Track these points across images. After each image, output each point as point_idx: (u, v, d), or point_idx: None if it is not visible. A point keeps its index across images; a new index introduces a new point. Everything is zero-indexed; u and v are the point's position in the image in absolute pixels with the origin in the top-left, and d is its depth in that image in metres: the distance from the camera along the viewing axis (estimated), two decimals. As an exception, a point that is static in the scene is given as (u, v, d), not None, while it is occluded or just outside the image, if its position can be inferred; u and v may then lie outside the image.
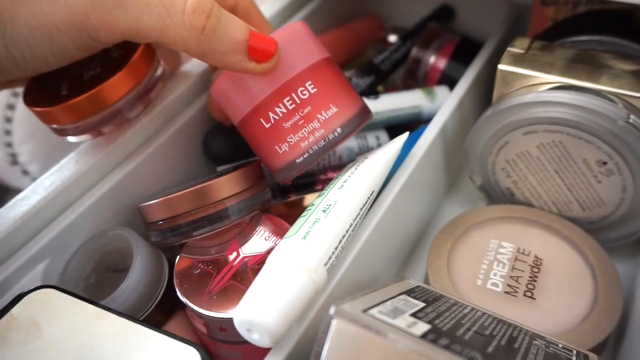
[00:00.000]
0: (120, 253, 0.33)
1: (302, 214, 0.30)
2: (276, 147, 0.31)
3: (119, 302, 0.30)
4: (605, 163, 0.34)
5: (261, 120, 0.31)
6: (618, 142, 0.32)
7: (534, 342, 0.27)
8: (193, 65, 0.40)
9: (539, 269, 0.34)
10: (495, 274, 0.34)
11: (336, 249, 0.28)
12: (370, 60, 0.47)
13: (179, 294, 0.30)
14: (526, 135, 0.35)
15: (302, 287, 0.25)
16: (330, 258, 0.27)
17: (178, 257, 0.32)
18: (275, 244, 0.32)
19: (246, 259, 0.32)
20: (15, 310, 0.28)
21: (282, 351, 0.26)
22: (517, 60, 0.35)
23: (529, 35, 0.45)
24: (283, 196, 0.39)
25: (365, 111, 0.33)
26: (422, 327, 0.23)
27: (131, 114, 0.33)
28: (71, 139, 0.33)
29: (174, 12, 0.26)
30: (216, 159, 0.40)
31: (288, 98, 0.30)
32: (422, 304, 0.27)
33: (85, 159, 0.34)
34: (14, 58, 0.27)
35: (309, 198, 0.40)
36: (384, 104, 0.43)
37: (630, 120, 0.31)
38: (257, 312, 0.24)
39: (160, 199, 0.31)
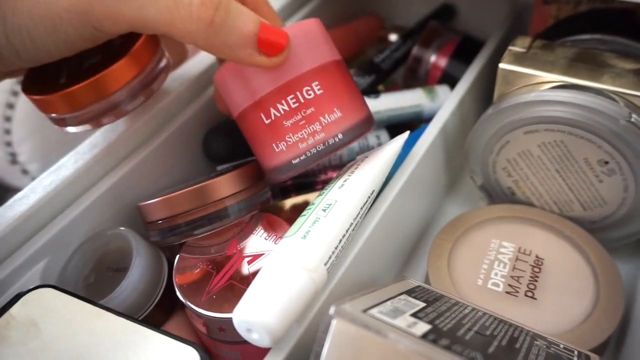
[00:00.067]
0: (120, 252, 0.33)
1: (302, 213, 0.30)
2: (273, 144, 0.30)
3: (118, 301, 0.30)
4: (606, 162, 0.33)
5: (261, 115, 0.30)
6: (620, 141, 0.32)
7: (535, 342, 0.27)
8: (193, 64, 0.40)
9: (540, 268, 0.34)
10: (496, 274, 0.34)
11: (336, 248, 0.28)
12: (371, 59, 0.46)
13: (178, 293, 0.30)
14: (527, 135, 0.35)
15: (302, 286, 0.25)
16: (330, 258, 0.27)
17: (177, 256, 0.32)
18: (275, 244, 0.32)
19: (246, 259, 0.31)
20: (14, 309, 0.28)
21: (281, 351, 0.26)
22: (518, 59, 0.35)
23: (530, 34, 0.44)
24: (283, 196, 0.39)
25: (370, 120, 0.32)
26: (423, 327, 0.23)
27: (132, 105, 0.32)
28: (70, 129, 0.32)
29: (181, 4, 0.26)
30: (216, 158, 0.40)
31: (292, 96, 0.29)
32: (423, 304, 0.27)
33: (84, 158, 0.34)
34: (15, 48, 0.26)
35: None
36: (385, 103, 0.43)
37: (632, 120, 0.31)
38: (257, 312, 0.24)
39: (160, 198, 0.31)
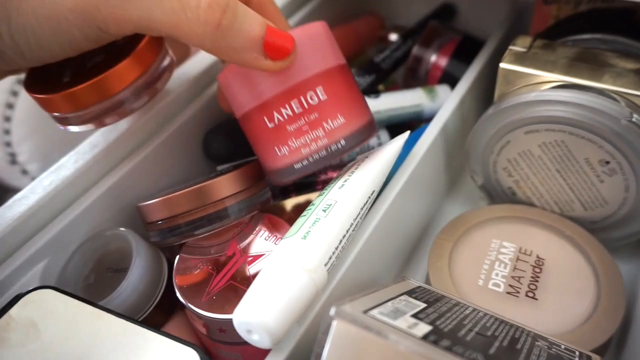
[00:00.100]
0: (120, 253, 0.33)
1: (302, 214, 0.29)
2: (276, 148, 0.30)
3: (118, 302, 0.30)
4: (607, 162, 0.33)
5: (265, 118, 0.29)
6: (621, 141, 0.32)
7: (536, 343, 0.27)
8: (193, 64, 0.40)
9: (540, 269, 0.34)
10: (496, 274, 0.34)
11: (336, 249, 0.28)
12: (371, 59, 0.46)
13: (178, 294, 0.30)
14: (528, 135, 0.35)
15: (302, 287, 0.25)
16: (330, 258, 0.27)
17: (177, 257, 0.32)
18: (275, 244, 0.32)
19: (246, 259, 0.31)
20: (14, 311, 0.28)
21: (282, 352, 0.26)
22: (519, 58, 0.35)
23: (531, 33, 0.44)
24: (283, 196, 0.39)
25: (372, 126, 0.32)
26: (424, 328, 0.23)
27: (136, 105, 0.32)
28: (73, 128, 0.32)
29: (188, 7, 0.25)
30: (216, 158, 0.40)
31: (296, 101, 0.29)
32: (423, 305, 0.27)
33: (84, 158, 0.34)
34: (19, 48, 0.26)
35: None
36: (385, 103, 0.43)
37: (633, 119, 0.31)
38: (257, 313, 0.24)
39: (160, 199, 0.31)
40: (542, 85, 0.34)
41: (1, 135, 0.48)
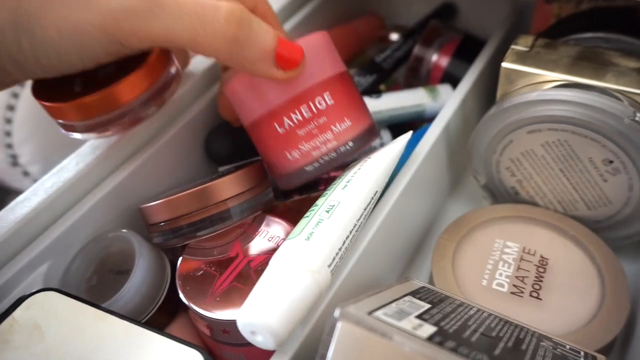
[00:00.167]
0: (122, 255, 0.33)
1: (306, 215, 0.29)
2: (286, 152, 0.31)
3: (121, 304, 0.30)
4: (611, 162, 0.33)
5: (275, 124, 0.31)
6: (624, 140, 0.32)
7: (541, 343, 0.27)
8: (194, 66, 0.40)
9: (544, 268, 0.34)
10: (500, 274, 0.34)
11: (340, 249, 0.28)
12: (372, 58, 0.46)
13: (181, 296, 0.30)
14: (531, 134, 0.35)
15: (306, 288, 0.25)
16: (334, 259, 0.27)
17: (180, 258, 0.32)
18: (278, 245, 0.32)
19: (249, 260, 0.31)
20: (17, 313, 0.28)
21: (286, 353, 0.26)
22: (521, 58, 0.35)
23: (532, 32, 0.44)
24: (286, 196, 0.39)
25: (374, 128, 0.33)
26: (428, 329, 0.23)
27: (143, 114, 0.32)
28: (76, 135, 0.32)
29: (206, 22, 0.26)
30: (218, 159, 0.40)
31: (305, 106, 0.30)
32: (428, 305, 0.27)
33: (86, 160, 0.34)
34: (39, 60, 0.27)
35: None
36: (387, 103, 0.42)
37: (637, 118, 0.31)
38: (261, 315, 0.24)
39: (162, 200, 0.31)
40: (544, 84, 0.34)
41: (2, 137, 0.48)
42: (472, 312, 0.28)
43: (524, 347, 0.25)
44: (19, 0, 0.26)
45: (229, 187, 0.32)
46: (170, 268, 0.34)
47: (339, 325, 0.22)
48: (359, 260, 0.30)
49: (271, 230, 0.33)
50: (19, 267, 0.30)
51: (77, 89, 0.30)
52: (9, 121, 0.48)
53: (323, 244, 0.27)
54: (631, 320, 0.33)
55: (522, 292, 0.33)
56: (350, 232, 0.29)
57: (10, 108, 0.47)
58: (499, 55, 0.37)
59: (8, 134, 0.48)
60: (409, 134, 0.34)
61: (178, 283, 0.31)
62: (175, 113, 0.38)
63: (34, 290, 0.29)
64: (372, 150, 0.36)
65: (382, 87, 0.48)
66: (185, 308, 0.31)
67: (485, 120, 0.36)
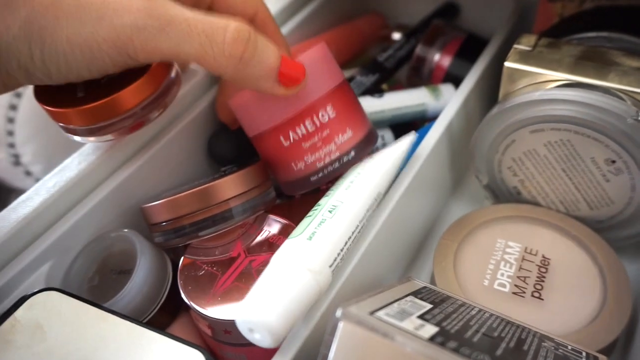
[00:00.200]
0: (124, 255, 0.33)
1: (308, 214, 0.29)
2: (292, 163, 0.32)
3: (122, 304, 0.30)
4: (613, 161, 0.33)
5: (281, 138, 0.32)
6: (627, 140, 0.32)
7: (543, 343, 0.27)
8: (196, 66, 0.40)
9: (546, 269, 0.34)
10: (502, 274, 0.34)
11: (341, 250, 0.28)
12: (375, 58, 0.46)
13: (183, 295, 0.30)
14: (533, 134, 0.34)
15: (306, 288, 0.25)
16: (335, 260, 0.27)
17: (182, 258, 0.32)
18: (280, 245, 0.32)
19: (251, 260, 0.31)
20: (19, 313, 0.28)
21: (288, 353, 0.26)
22: (524, 57, 0.35)
23: (535, 32, 0.44)
24: (288, 196, 0.39)
25: (372, 133, 0.34)
26: (430, 329, 0.23)
27: (145, 118, 0.32)
28: (77, 138, 0.32)
29: (214, 41, 0.27)
30: (221, 162, 0.40)
31: (309, 120, 0.31)
32: (429, 306, 0.27)
33: (88, 160, 0.34)
34: (48, 70, 0.27)
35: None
36: (389, 102, 0.42)
37: (639, 118, 0.31)
38: (260, 312, 0.24)
39: (164, 200, 0.31)
40: (547, 84, 0.34)
41: (5, 137, 0.48)
42: (473, 312, 0.28)
43: (525, 347, 0.25)
44: (32, 13, 0.26)
45: (231, 186, 0.32)
46: (172, 268, 0.34)
47: (341, 325, 0.22)
48: (360, 260, 0.30)
49: (273, 230, 0.33)
50: (20, 266, 0.30)
51: (80, 93, 0.31)
52: (11, 120, 0.48)
53: (325, 244, 0.27)
54: (633, 320, 0.33)
55: (524, 293, 0.33)
56: (353, 233, 0.29)
57: (13, 107, 0.47)
58: (502, 54, 0.37)
59: (10, 133, 0.48)
60: (413, 135, 0.34)
61: (179, 283, 0.31)
62: (177, 113, 0.38)
63: (35, 290, 0.29)
64: (375, 151, 0.36)
65: (384, 86, 0.47)
66: (187, 308, 0.31)
67: (488, 119, 0.36)
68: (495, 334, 0.26)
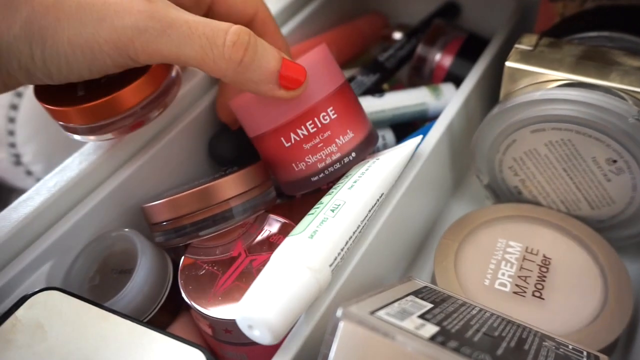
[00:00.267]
0: (125, 254, 0.33)
1: (310, 212, 0.29)
2: (293, 164, 0.32)
3: (123, 303, 0.30)
4: (615, 161, 0.33)
5: (282, 139, 0.32)
6: (628, 139, 0.32)
7: (543, 343, 0.27)
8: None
9: (547, 268, 0.34)
10: (503, 274, 0.34)
11: (342, 250, 0.28)
12: (375, 57, 0.46)
13: (183, 295, 0.30)
14: (534, 134, 0.34)
15: (306, 286, 0.25)
16: (335, 259, 0.27)
17: (182, 258, 0.32)
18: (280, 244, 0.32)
19: (251, 260, 0.31)
20: (20, 312, 0.28)
21: (288, 352, 0.26)
22: (525, 57, 0.35)
23: (536, 31, 0.44)
24: (288, 196, 0.38)
25: (373, 134, 0.34)
26: (431, 329, 0.23)
27: (145, 118, 0.32)
28: (77, 137, 0.32)
29: (214, 45, 0.27)
30: (221, 162, 0.40)
31: (310, 122, 0.31)
32: (430, 305, 0.27)
33: (89, 160, 0.34)
34: (49, 70, 0.27)
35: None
36: (390, 102, 0.42)
37: (641, 118, 0.31)
38: (259, 309, 0.24)
39: (165, 200, 0.31)
40: (548, 83, 0.34)
41: (5, 136, 0.48)
42: (474, 311, 0.28)
43: (526, 347, 0.25)
44: (33, 13, 0.26)
45: (231, 186, 0.32)
46: (173, 267, 0.34)
47: (341, 325, 0.22)
48: (361, 259, 0.30)
49: (273, 230, 0.33)
50: (21, 266, 0.30)
51: (80, 92, 0.31)
52: (12, 120, 0.48)
53: (326, 243, 0.27)
54: (634, 320, 0.33)
55: (525, 292, 0.33)
56: (354, 232, 0.29)
57: (14, 107, 0.48)
58: (503, 54, 0.36)
59: (11, 133, 0.48)
60: (419, 138, 0.34)
61: (180, 282, 0.31)
62: (178, 113, 0.38)
63: (36, 290, 0.29)
64: (375, 151, 0.36)
65: (385, 86, 0.47)
66: (188, 307, 0.31)
67: (489, 119, 0.36)
68: (496, 334, 0.26)
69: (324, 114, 0.31)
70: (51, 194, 0.32)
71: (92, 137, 0.32)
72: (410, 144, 0.33)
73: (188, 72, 0.39)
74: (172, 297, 0.32)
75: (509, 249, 0.35)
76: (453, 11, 0.53)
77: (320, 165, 0.32)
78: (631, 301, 0.31)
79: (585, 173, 0.35)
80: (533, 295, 0.32)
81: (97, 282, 0.33)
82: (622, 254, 0.35)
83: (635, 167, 0.32)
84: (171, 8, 0.27)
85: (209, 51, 0.27)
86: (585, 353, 0.27)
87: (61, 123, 0.31)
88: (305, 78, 0.30)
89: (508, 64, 0.35)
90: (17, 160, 0.49)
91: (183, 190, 0.32)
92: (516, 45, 0.35)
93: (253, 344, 0.25)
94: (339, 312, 0.22)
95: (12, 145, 0.49)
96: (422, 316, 0.24)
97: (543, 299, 0.32)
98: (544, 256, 0.34)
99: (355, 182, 0.30)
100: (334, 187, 0.31)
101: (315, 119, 0.31)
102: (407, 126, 0.44)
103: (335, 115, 0.32)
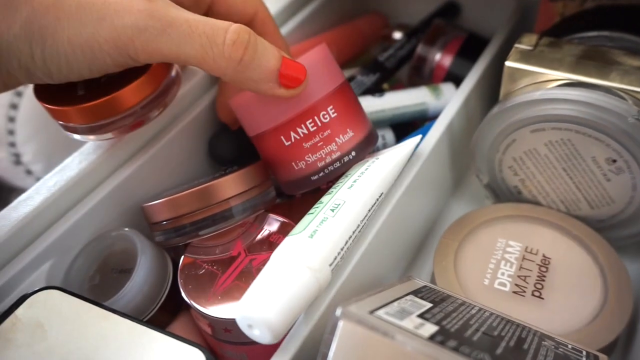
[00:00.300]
0: (125, 254, 0.33)
1: (310, 211, 0.29)
2: (293, 163, 0.32)
3: (123, 303, 0.30)
4: (614, 161, 0.33)
5: (282, 137, 0.32)
6: (628, 139, 0.32)
7: (543, 343, 0.27)
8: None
9: (547, 268, 0.34)
10: (502, 274, 0.34)
11: (342, 249, 0.28)
12: (376, 57, 0.46)
13: (183, 294, 0.30)
14: (534, 133, 0.34)
15: (306, 286, 0.25)
16: (335, 259, 0.27)
17: (182, 257, 0.32)
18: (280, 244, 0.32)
19: (251, 259, 0.31)
20: (20, 311, 0.28)
21: (288, 352, 0.26)
22: (525, 56, 0.35)
23: (536, 31, 0.44)
24: (288, 195, 0.39)
25: (373, 133, 0.34)
26: (430, 328, 0.23)
27: (145, 117, 0.32)
28: (77, 137, 0.32)
29: (214, 43, 0.27)
30: (221, 162, 0.40)
31: (310, 120, 0.31)
32: (430, 305, 0.27)
33: (89, 159, 0.34)
34: (49, 69, 0.27)
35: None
36: (389, 102, 0.42)
37: (641, 117, 0.31)
38: (259, 309, 0.24)
39: (164, 199, 0.31)
40: (548, 83, 0.34)
41: (5, 136, 0.48)
42: (473, 311, 0.28)
43: (525, 346, 0.25)
44: (33, 13, 0.26)
45: (231, 186, 0.32)
46: (172, 267, 0.34)
47: (341, 324, 0.22)
48: (361, 259, 0.30)
49: (273, 229, 0.33)
50: (21, 265, 0.30)
51: (80, 92, 0.31)
52: (12, 119, 0.48)
53: (326, 242, 0.27)
54: (634, 319, 0.33)
55: (524, 292, 0.33)
56: (354, 232, 0.29)
57: (14, 106, 0.48)
58: (503, 54, 0.36)
59: (11, 132, 0.48)
60: (418, 137, 0.34)
61: (180, 282, 0.31)
62: (178, 113, 0.38)
63: (36, 289, 0.29)
64: (375, 150, 0.36)
65: (385, 86, 0.47)
66: (187, 307, 0.31)
67: (489, 119, 0.36)
68: (495, 333, 0.26)
69: (324, 112, 0.31)
70: (51, 193, 0.32)
71: (92, 137, 0.32)
72: (409, 143, 0.33)
73: (188, 71, 0.39)
74: (171, 297, 0.32)
75: (509, 249, 0.35)
76: (453, 11, 0.53)
77: (320, 164, 0.32)
78: (631, 301, 0.31)
79: (585, 173, 0.35)
80: (532, 294, 0.32)
81: (97, 282, 0.33)
82: (621, 253, 0.35)
83: (635, 166, 0.33)
84: (171, 7, 0.27)
85: (209, 50, 0.27)
86: (584, 352, 0.27)
87: (61, 122, 0.31)
88: (305, 76, 0.30)
89: (508, 63, 0.35)
90: (17, 160, 0.49)
91: (183, 189, 0.32)
92: (516, 45, 0.35)
93: (253, 343, 0.25)
94: (339, 312, 0.22)
95: (12, 144, 0.49)
96: (421, 315, 0.24)
97: (542, 298, 0.32)
98: (544, 256, 0.34)
99: (355, 181, 0.30)
100: (333, 186, 0.31)
101: (315, 117, 0.31)
102: (407, 126, 0.44)
103: (335, 114, 0.32)
